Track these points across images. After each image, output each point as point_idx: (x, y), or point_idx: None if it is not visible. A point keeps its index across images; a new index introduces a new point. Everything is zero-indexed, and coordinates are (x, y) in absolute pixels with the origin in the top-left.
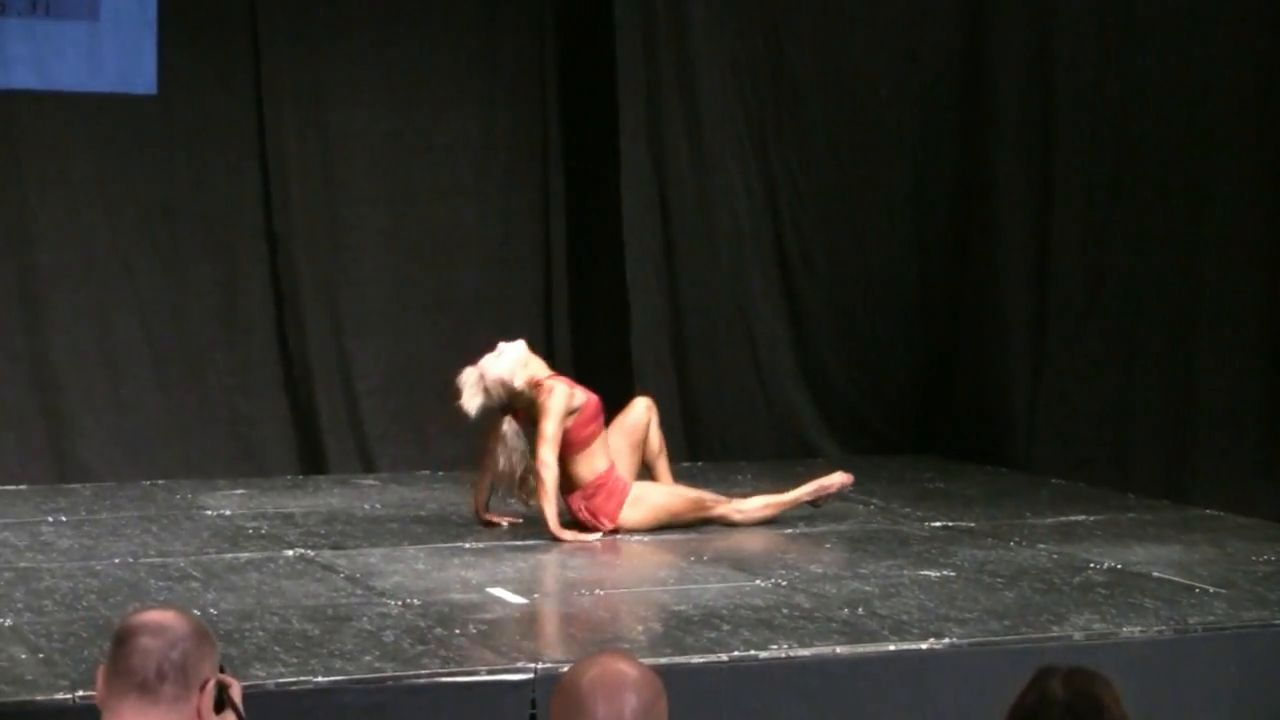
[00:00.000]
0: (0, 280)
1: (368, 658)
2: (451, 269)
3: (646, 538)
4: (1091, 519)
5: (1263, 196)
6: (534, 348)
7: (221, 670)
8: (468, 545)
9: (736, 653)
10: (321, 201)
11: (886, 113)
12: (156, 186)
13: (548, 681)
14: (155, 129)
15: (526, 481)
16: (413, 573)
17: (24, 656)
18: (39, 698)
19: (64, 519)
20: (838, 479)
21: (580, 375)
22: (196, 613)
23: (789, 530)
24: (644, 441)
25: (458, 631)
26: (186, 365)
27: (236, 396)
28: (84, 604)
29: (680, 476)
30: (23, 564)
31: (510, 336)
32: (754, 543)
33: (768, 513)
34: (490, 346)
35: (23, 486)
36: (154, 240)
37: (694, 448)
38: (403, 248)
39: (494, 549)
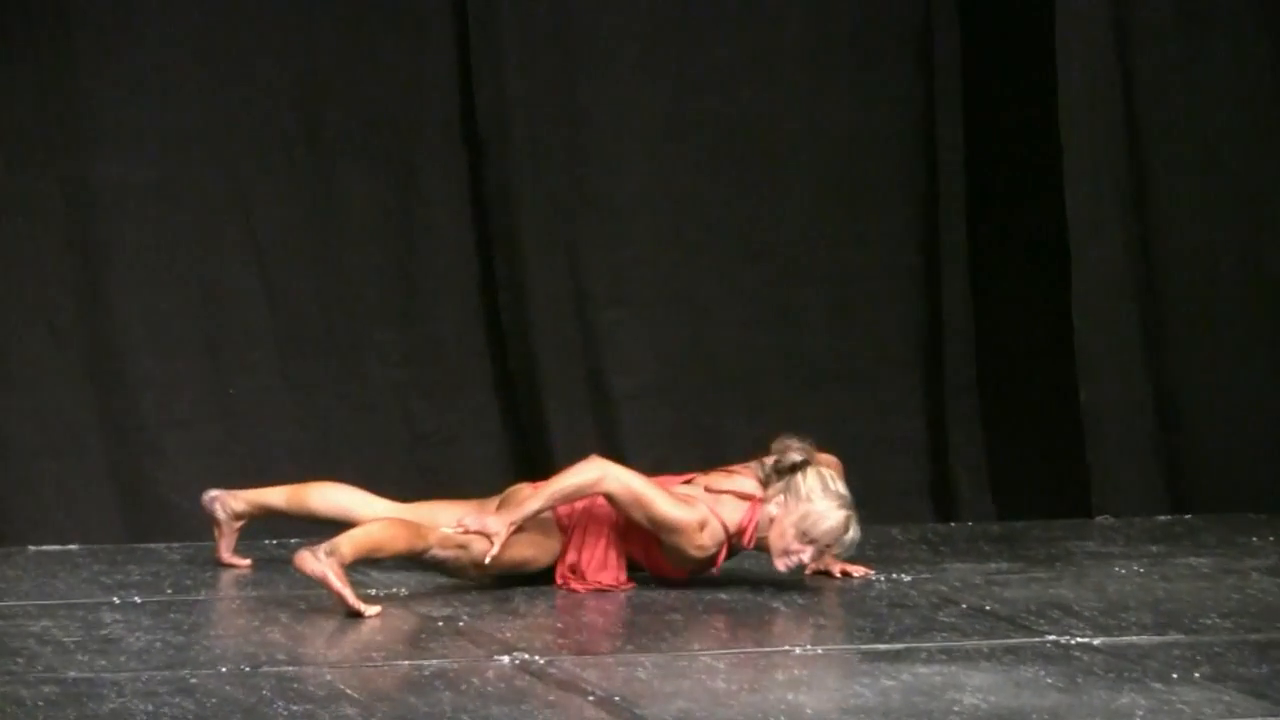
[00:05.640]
0: (54, 208)
1: None
2: (771, 187)
3: None
4: None
5: None
6: (904, 314)
7: None
8: (796, 651)
9: None
10: (556, 94)
11: None
12: (299, 74)
13: None
14: None
15: None
16: (710, 694)
17: None
18: None
19: (137, 599)
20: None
21: (984, 361)
22: None
23: None
24: None
25: None
26: (330, 345)
27: (354, 386)
28: None
29: (1151, 534)
30: (73, 673)
31: (859, 304)
32: None
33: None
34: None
35: (74, 547)
36: (294, 148)
37: (1174, 488)
38: (686, 159)
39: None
